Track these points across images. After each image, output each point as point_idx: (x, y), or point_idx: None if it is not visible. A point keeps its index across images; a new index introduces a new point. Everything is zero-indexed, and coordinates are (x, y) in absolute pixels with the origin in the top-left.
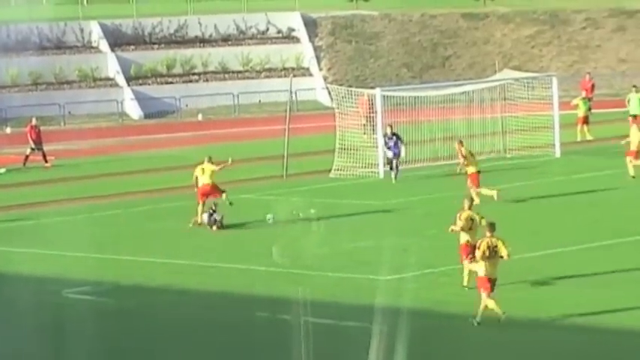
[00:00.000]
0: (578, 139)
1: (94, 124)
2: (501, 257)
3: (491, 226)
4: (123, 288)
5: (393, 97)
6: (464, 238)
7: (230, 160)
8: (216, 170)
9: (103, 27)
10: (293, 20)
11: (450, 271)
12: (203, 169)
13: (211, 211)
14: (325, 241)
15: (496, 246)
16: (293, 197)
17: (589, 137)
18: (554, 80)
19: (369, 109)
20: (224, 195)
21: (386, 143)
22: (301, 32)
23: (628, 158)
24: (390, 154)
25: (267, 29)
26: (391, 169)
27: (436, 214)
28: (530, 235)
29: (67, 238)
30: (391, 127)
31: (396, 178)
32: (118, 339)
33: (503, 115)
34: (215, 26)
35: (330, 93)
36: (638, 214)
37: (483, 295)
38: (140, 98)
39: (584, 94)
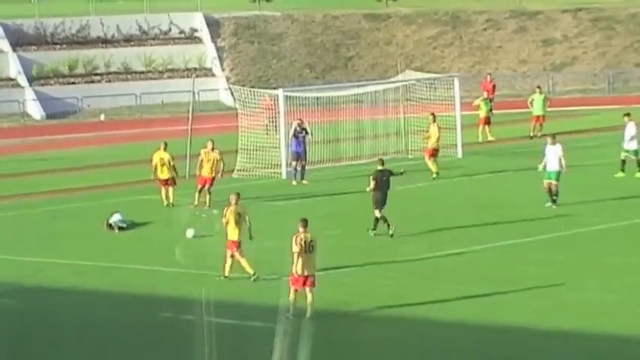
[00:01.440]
0: (480, 139)
1: None
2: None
3: (304, 222)
4: (25, 289)
5: (296, 97)
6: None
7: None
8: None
9: (4, 27)
10: (195, 21)
11: (353, 271)
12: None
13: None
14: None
15: (312, 241)
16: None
17: (491, 138)
18: (456, 81)
19: (271, 109)
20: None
21: (296, 137)
22: (204, 33)
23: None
24: (296, 148)
25: (170, 30)
26: (296, 169)
27: (338, 215)
28: (432, 235)
29: None
30: (301, 121)
31: (302, 178)
32: (21, 341)
33: (405, 116)
34: (117, 27)
35: (232, 93)
36: (540, 214)
37: (298, 291)
38: (42, 99)
39: (485, 94)
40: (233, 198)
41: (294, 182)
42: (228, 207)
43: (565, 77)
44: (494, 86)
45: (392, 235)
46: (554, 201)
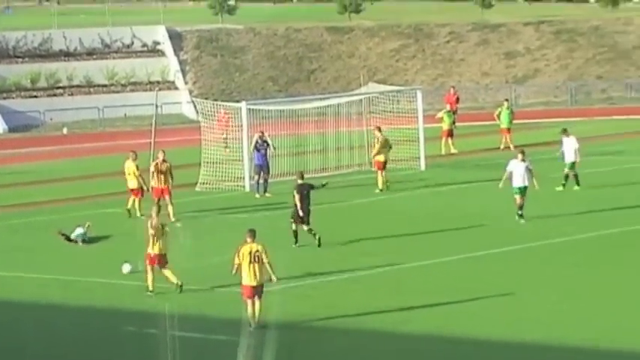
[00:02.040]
0: (443, 152)
1: None
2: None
3: (252, 233)
4: None
5: (259, 110)
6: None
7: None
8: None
9: None
10: (158, 34)
11: (319, 283)
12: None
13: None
14: (192, 255)
15: (257, 251)
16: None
17: (454, 150)
18: (419, 93)
19: (227, 123)
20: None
21: (258, 150)
22: (166, 46)
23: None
24: (258, 161)
25: (132, 43)
26: (258, 182)
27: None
28: (396, 247)
29: None
30: (262, 134)
31: (265, 191)
32: None
33: (368, 129)
34: (80, 40)
35: (195, 106)
36: (504, 225)
37: (248, 301)
38: (4, 112)
39: (448, 107)
40: (154, 211)
41: (257, 195)
42: (150, 220)
43: (527, 90)
44: (457, 98)
45: (319, 245)
46: (521, 215)
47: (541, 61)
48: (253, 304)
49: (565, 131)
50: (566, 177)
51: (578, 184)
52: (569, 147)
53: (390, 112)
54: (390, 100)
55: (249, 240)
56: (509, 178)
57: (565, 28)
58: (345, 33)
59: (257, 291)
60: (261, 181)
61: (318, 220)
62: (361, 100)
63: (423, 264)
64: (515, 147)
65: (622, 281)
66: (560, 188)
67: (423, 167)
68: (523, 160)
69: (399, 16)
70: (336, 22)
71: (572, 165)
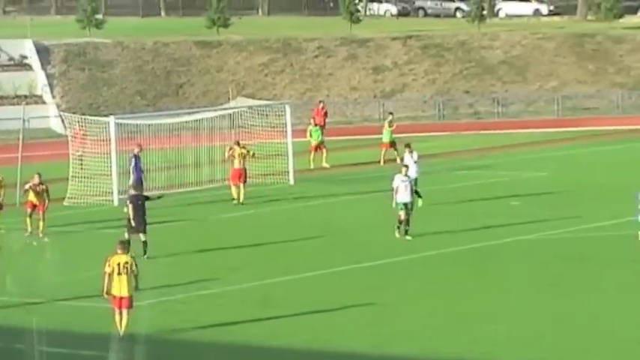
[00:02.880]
0: (312, 166)
1: None
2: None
3: (123, 244)
4: None
5: (127, 124)
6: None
7: None
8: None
9: None
10: (25, 48)
11: (187, 298)
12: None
13: None
14: (60, 270)
15: (126, 262)
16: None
17: (325, 165)
18: (288, 108)
19: (83, 140)
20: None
21: (135, 164)
22: (33, 60)
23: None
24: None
25: None
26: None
27: (170, 243)
28: (263, 263)
29: None
30: (140, 147)
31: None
32: None
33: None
34: None
35: (63, 121)
36: (373, 240)
37: (117, 312)
38: None
39: (313, 121)
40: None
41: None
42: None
43: (395, 104)
44: (325, 113)
45: (147, 257)
46: (406, 231)
47: (409, 75)
48: (121, 314)
49: (408, 146)
50: (417, 192)
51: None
52: (410, 163)
53: (259, 126)
54: (258, 114)
55: (119, 251)
56: (396, 194)
57: (432, 42)
58: (213, 47)
59: (124, 302)
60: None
61: (186, 235)
62: (229, 114)
63: (291, 278)
64: (385, 162)
65: (489, 294)
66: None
67: (292, 181)
68: (406, 176)
69: (267, 31)
70: (205, 36)
71: (415, 181)
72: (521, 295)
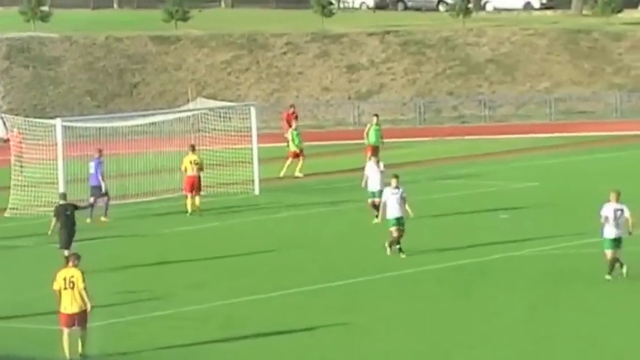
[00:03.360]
0: (282, 174)
1: None
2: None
3: (73, 257)
4: None
5: (76, 128)
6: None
7: None
8: None
9: None
10: None
11: (140, 319)
12: None
13: None
14: (2, 288)
15: (72, 276)
16: None
17: (298, 174)
18: (253, 110)
19: (19, 146)
20: None
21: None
22: None
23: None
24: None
25: None
26: (92, 206)
27: (122, 258)
28: (227, 280)
29: None
30: (100, 152)
31: (105, 215)
32: None
33: (199, 149)
34: None
35: (5, 124)
36: (345, 256)
37: (65, 332)
38: None
39: (293, 124)
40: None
41: (103, 218)
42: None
43: (372, 106)
44: (296, 117)
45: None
46: (400, 249)
47: (387, 75)
48: (71, 334)
49: (374, 155)
50: (374, 206)
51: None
52: (374, 174)
53: (221, 130)
54: (221, 117)
55: (69, 264)
56: (385, 208)
57: (413, 39)
58: (171, 43)
59: (75, 319)
60: (101, 204)
61: (139, 250)
62: (189, 117)
63: (257, 298)
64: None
65: (473, 316)
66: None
67: (257, 191)
68: (397, 188)
69: (230, 25)
70: (162, 30)
71: (380, 193)
72: (508, 318)
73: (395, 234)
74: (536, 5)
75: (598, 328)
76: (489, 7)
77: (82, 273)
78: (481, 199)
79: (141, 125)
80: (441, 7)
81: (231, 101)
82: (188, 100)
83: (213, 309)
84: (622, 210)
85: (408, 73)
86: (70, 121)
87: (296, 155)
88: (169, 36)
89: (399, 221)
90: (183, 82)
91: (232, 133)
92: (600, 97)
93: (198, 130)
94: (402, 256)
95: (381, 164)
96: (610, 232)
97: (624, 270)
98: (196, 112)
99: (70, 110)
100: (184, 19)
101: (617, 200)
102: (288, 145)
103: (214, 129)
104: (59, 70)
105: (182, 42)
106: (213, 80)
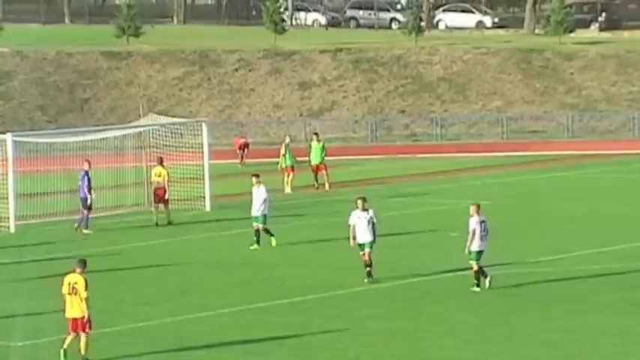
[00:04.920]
0: (289, 190)
1: None
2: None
3: (80, 263)
4: None
5: (27, 143)
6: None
7: None
8: None
9: None
10: None
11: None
12: None
13: None
14: None
15: (76, 282)
16: None
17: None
18: (204, 126)
19: None
20: None
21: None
22: None
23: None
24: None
25: None
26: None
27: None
28: (176, 297)
29: None
30: (89, 163)
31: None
32: None
33: (148, 165)
34: None
35: None
36: (295, 273)
37: (70, 335)
38: None
39: (287, 139)
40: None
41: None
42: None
43: (324, 124)
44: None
45: None
46: (369, 274)
47: (339, 92)
48: (76, 338)
49: (256, 176)
50: (257, 231)
51: (264, 240)
52: (259, 197)
53: (172, 146)
54: (172, 133)
55: (77, 270)
56: (354, 232)
57: (365, 56)
58: (122, 58)
59: (77, 324)
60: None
61: (95, 265)
62: (140, 133)
63: (207, 314)
64: (318, 186)
65: (422, 335)
66: (257, 246)
67: (208, 208)
68: (365, 210)
69: (182, 41)
70: (113, 46)
71: (264, 219)
72: (458, 337)
73: (367, 258)
74: (489, 24)
75: (547, 347)
76: (442, 26)
77: (86, 281)
78: (432, 218)
79: (91, 140)
80: (394, 25)
81: (182, 117)
82: (139, 116)
83: (163, 325)
84: (484, 221)
85: (360, 91)
86: (21, 135)
87: (290, 170)
88: (121, 51)
89: (371, 245)
90: (135, 98)
91: (184, 150)
92: (552, 117)
93: (150, 146)
94: (365, 280)
95: (262, 187)
96: (475, 244)
97: (488, 280)
98: (148, 128)
99: (21, 125)
100: (136, 34)
101: (478, 213)
102: (279, 163)
103: (166, 145)
104: (10, 85)
105: (134, 58)
106: (164, 96)
